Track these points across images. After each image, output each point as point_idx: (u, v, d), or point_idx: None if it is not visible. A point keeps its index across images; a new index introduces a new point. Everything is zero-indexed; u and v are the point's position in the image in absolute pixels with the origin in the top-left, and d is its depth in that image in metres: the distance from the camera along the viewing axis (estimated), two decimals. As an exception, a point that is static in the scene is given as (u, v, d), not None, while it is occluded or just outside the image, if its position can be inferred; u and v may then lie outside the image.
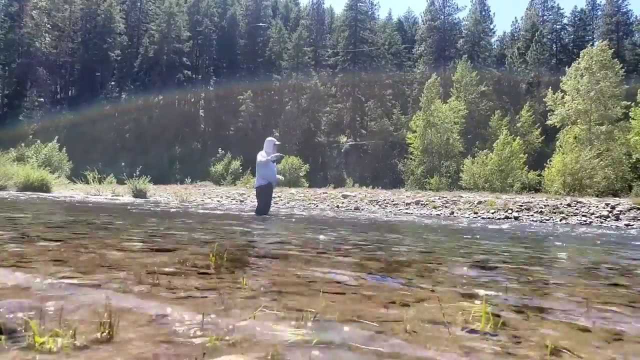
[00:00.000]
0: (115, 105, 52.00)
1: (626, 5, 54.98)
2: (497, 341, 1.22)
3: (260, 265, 2.47)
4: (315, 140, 51.05)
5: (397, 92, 54.55)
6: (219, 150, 46.69)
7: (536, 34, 50.57)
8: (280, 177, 9.07)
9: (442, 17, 56.57)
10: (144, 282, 1.69)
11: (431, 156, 36.76)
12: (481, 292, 1.91)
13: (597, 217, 12.51)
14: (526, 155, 31.41)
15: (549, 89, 33.26)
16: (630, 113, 28.09)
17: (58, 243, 2.82)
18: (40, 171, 19.95)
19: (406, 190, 27.90)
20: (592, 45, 38.13)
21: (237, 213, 9.42)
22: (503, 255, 3.71)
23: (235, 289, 1.69)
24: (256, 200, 8.87)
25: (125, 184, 19.60)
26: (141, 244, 3.07)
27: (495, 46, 60.35)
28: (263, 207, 8.43)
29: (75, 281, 1.67)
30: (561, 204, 14.14)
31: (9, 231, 3.41)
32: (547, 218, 12.75)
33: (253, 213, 8.79)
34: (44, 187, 17.87)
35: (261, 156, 8.20)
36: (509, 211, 13.76)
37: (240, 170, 40.85)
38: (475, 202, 15.26)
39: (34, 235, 3.20)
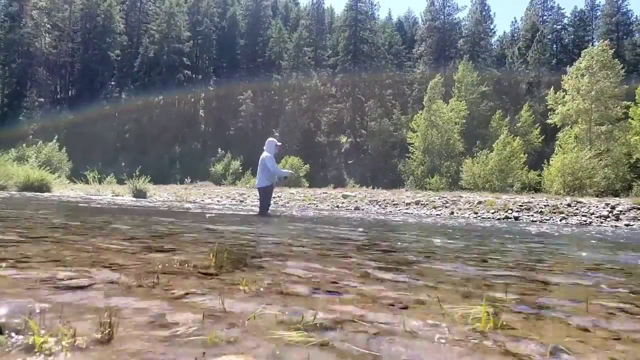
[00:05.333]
0: (115, 105, 52.01)
1: (626, 5, 55.08)
2: (497, 341, 1.22)
3: (260, 265, 2.47)
4: (315, 140, 51.05)
5: (397, 92, 54.57)
6: (219, 150, 46.69)
7: (537, 34, 50.58)
8: (291, 171, 9.26)
9: (442, 17, 56.61)
10: (144, 282, 1.69)
11: (432, 156, 36.76)
12: (481, 292, 1.91)
13: (597, 217, 12.51)
14: (526, 155, 31.42)
15: (550, 89, 33.30)
16: (629, 113, 28.11)
17: (58, 243, 2.82)
18: (40, 171, 19.95)
19: (406, 190, 27.90)
20: (592, 45, 38.13)
21: (237, 213, 9.42)
22: (503, 254, 3.71)
23: (235, 289, 1.69)
24: (258, 200, 8.93)
25: (125, 184, 19.60)
26: (141, 244, 3.07)
27: (496, 46, 60.37)
28: (264, 207, 8.48)
29: (75, 281, 1.67)
30: (561, 204, 14.14)
31: (8, 231, 3.41)
32: (547, 218, 12.75)
33: (253, 213, 8.81)
34: (44, 187, 17.86)
35: (272, 161, 8.29)
36: (509, 211, 13.75)
37: (240, 170, 40.86)
38: (475, 202, 15.25)
39: (33, 235, 3.20)
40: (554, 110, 31.29)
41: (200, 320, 1.24)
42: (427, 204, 15.77)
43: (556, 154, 27.35)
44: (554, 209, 13.59)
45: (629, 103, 28.59)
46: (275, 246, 3.62)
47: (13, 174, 18.75)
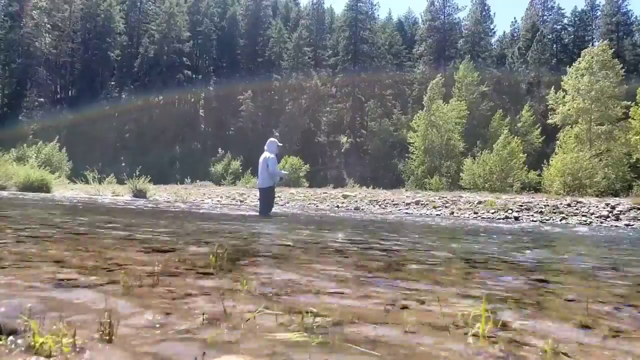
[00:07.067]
0: (115, 105, 51.94)
1: (626, 5, 55.01)
2: (497, 342, 1.22)
3: (260, 265, 2.47)
4: (315, 140, 51.02)
5: (397, 92, 54.54)
6: (219, 150, 46.66)
7: (537, 34, 50.54)
8: (286, 172, 9.30)
9: (442, 17, 56.55)
10: (144, 283, 1.69)
11: (432, 156, 36.73)
12: (481, 292, 1.91)
13: (597, 217, 12.51)
14: (526, 155, 31.41)
15: (551, 89, 33.27)
16: (630, 113, 28.10)
17: (58, 243, 2.82)
18: (40, 171, 19.95)
19: (406, 190, 27.89)
20: (592, 45, 38.12)
21: (237, 213, 9.41)
22: (502, 255, 3.71)
23: (235, 289, 1.69)
24: (259, 200, 8.91)
25: (125, 184, 19.61)
26: (141, 244, 3.07)
27: (495, 46, 60.31)
28: (266, 208, 8.48)
29: (75, 281, 1.67)
30: (561, 204, 14.14)
31: (8, 231, 3.41)
32: (547, 218, 12.75)
33: (254, 213, 8.81)
34: (44, 187, 17.87)
35: (274, 160, 8.30)
36: (509, 211, 13.75)
37: (241, 170, 40.83)
38: (475, 202, 15.25)
39: (33, 235, 3.20)
40: (554, 110, 31.27)
41: (200, 320, 1.24)
42: (427, 204, 15.77)
43: (556, 154, 27.34)
44: (554, 209, 13.59)
45: (629, 103, 28.57)
46: (275, 246, 3.62)
47: (13, 174, 18.76)
